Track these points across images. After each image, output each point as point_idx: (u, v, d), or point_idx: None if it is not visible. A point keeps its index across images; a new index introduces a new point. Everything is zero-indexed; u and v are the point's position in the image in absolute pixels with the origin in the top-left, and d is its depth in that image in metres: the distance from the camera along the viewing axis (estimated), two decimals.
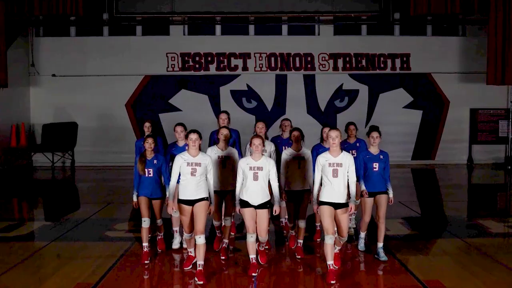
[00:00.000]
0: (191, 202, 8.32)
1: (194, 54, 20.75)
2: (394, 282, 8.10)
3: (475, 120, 20.51)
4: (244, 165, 8.38)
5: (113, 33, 20.99)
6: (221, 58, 20.76)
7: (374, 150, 9.16)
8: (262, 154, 8.47)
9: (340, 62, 20.72)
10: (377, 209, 9.11)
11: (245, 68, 20.72)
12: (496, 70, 18.68)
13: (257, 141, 8.36)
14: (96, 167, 19.91)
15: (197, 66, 20.73)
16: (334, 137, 8.13)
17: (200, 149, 8.37)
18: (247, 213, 8.40)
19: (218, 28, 21.16)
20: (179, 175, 8.44)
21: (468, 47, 20.62)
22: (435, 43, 20.82)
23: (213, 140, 10.14)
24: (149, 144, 9.09)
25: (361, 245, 9.67)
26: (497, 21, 18.48)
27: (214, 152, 9.25)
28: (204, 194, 8.35)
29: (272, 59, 20.75)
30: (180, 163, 8.30)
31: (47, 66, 20.61)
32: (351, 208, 8.23)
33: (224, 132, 9.33)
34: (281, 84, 20.79)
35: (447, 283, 7.93)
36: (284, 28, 21.18)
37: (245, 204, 8.38)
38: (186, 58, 20.74)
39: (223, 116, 10.44)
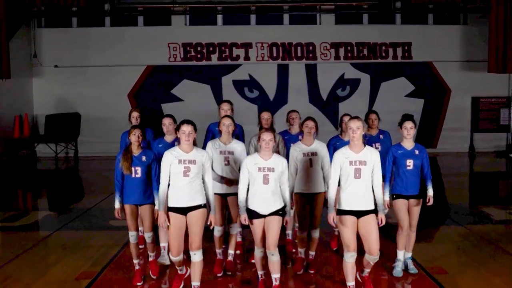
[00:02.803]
0: (185, 211, 6.79)
1: (196, 44, 20.69)
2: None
3: (477, 108, 20.45)
4: (251, 165, 6.89)
5: (115, 24, 20.93)
6: (223, 48, 20.72)
7: (408, 144, 7.68)
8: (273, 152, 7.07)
9: (341, 51, 20.65)
10: (409, 215, 7.83)
11: (246, 57, 20.66)
12: (498, 59, 18.70)
13: (267, 136, 6.87)
14: (99, 157, 19.94)
15: (198, 56, 20.71)
16: (355, 128, 6.65)
17: (195, 144, 6.97)
18: (257, 226, 6.94)
19: (219, 18, 21.10)
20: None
21: (469, 36, 20.51)
22: (437, 31, 20.68)
23: (211, 134, 8.83)
24: (135, 136, 7.50)
25: (398, 269, 7.80)
26: (498, 9, 18.48)
27: (216, 146, 7.76)
28: (201, 200, 6.84)
29: (274, 48, 20.71)
30: (170, 161, 6.77)
31: (50, 57, 20.56)
32: (381, 220, 6.70)
33: (226, 122, 7.75)
34: (282, 73, 20.80)
35: (449, 269, 7.97)
36: (286, 17, 21.10)
37: (253, 214, 6.93)
38: (188, 48, 20.70)
39: (225, 107, 8.79)
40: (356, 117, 6.80)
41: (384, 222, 6.71)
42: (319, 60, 20.68)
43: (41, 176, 17.77)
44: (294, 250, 8.82)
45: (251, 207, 6.91)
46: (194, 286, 6.94)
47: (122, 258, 8.64)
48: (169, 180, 6.85)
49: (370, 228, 6.61)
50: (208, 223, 6.91)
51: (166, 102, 20.45)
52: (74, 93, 20.38)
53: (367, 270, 7.03)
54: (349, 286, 6.85)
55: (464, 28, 20.77)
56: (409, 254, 7.92)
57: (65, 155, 20.55)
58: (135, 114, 9.06)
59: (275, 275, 6.97)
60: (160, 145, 8.16)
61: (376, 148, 8.55)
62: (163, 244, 8.30)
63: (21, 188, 15.60)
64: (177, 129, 6.99)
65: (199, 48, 20.67)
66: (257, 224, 6.92)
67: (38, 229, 11.14)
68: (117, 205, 7.52)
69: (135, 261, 7.71)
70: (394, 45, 20.69)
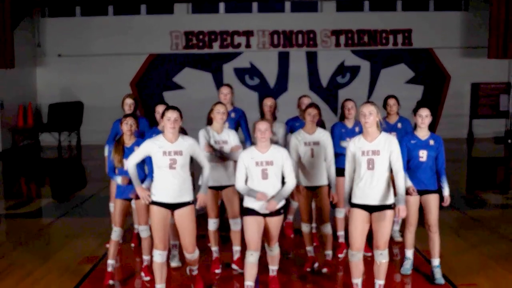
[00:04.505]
0: (171, 207, 6.23)
1: (198, 32, 20.76)
2: (391, 252, 8.03)
3: (476, 94, 20.45)
4: (247, 159, 6.26)
5: (118, 12, 20.94)
6: (224, 36, 20.78)
7: (422, 133, 6.94)
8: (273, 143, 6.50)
9: (342, 39, 20.68)
10: (425, 214, 7.15)
11: (248, 45, 20.71)
12: (498, 44, 18.71)
13: (263, 126, 6.23)
14: (102, 146, 20.02)
15: (200, 44, 20.77)
16: (367, 114, 5.96)
17: (180, 132, 6.39)
18: (251, 223, 6.25)
19: (221, 5, 21.09)
20: (149, 169, 6.62)
21: (470, 22, 20.52)
22: (437, 18, 20.70)
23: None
24: (128, 125, 6.90)
25: (407, 266, 7.34)
26: None
27: (210, 135, 7.21)
28: (189, 197, 6.26)
29: (275, 36, 20.75)
30: (152, 151, 6.17)
31: (53, 47, 20.68)
32: (398, 211, 6.04)
33: (221, 109, 7.19)
34: (283, 61, 20.87)
35: (446, 253, 7.92)
36: (287, 5, 21.06)
37: (249, 212, 6.29)
38: (190, 37, 20.77)
39: (224, 90, 8.28)
40: (369, 102, 6.12)
41: (402, 214, 6.07)
42: (320, 47, 20.71)
43: (44, 165, 17.90)
44: (292, 236, 8.89)
45: (248, 205, 6.32)
46: (191, 269, 6.71)
47: (124, 244, 8.67)
48: (147, 172, 6.47)
49: (384, 224, 6.00)
50: (197, 201, 6.42)
51: (168, 90, 20.56)
52: (77, 82, 20.48)
53: (379, 283, 6.25)
54: (355, 284, 6.32)
55: (465, 14, 20.76)
56: (437, 262, 7.19)
57: (68, 144, 20.70)
58: (128, 101, 8.37)
59: (273, 267, 6.65)
60: (154, 135, 7.09)
61: None
62: (173, 242, 7.66)
63: (25, 177, 15.76)
64: (162, 115, 6.32)
65: (200, 36, 20.73)
66: (253, 222, 6.26)
67: (41, 216, 11.28)
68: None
69: (110, 262, 7.10)
70: (394, 32, 20.71)
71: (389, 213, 6.01)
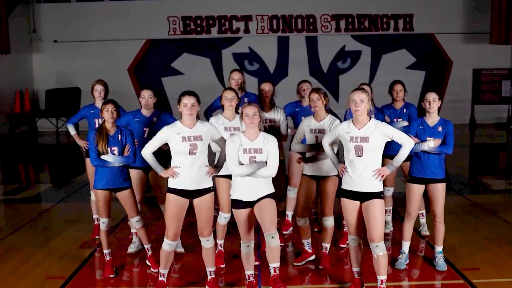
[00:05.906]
0: (190, 194, 6.05)
1: (196, 17, 20.62)
2: (395, 237, 8.17)
3: (478, 80, 20.39)
4: (237, 145, 5.99)
5: None
6: (223, 21, 20.65)
7: (431, 119, 6.70)
8: (260, 129, 6.10)
9: (342, 23, 20.55)
10: (431, 203, 6.94)
11: (246, 30, 20.59)
12: (500, 30, 18.66)
13: (250, 110, 5.93)
14: None
15: (198, 29, 20.64)
16: (358, 101, 5.78)
17: (198, 117, 6.15)
18: (241, 216, 6.04)
19: None
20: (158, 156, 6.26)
21: (472, 7, 20.40)
22: (439, 3, 20.51)
23: (214, 108, 8.14)
24: (109, 112, 6.54)
25: (401, 261, 7.04)
26: None
27: (220, 122, 6.84)
28: (209, 183, 6.09)
29: (274, 21, 20.61)
30: (172, 137, 5.98)
31: (49, 33, 20.54)
32: (379, 171, 5.84)
33: (229, 95, 6.87)
34: (283, 46, 20.72)
35: (449, 238, 7.89)
36: None
37: (237, 204, 6.04)
38: (188, 22, 20.63)
39: (235, 76, 7.99)
40: (361, 89, 5.97)
41: (380, 172, 5.83)
42: (320, 32, 20.59)
43: (42, 150, 17.83)
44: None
45: (234, 196, 6.07)
46: (210, 272, 6.32)
47: (122, 230, 8.71)
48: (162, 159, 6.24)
49: (373, 213, 5.82)
50: (208, 169, 6.07)
51: (166, 76, 20.46)
52: (74, 68, 20.36)
53: (381, 278, 5.98)
54: (355, 272, 6.22)
55: None
56: (439, 248, 7.03)
57: (66, 130, 20.55)
58: (98, 87, 7.96)
59: (274, 264, 6.02)
60: (136, 119, 7.28)
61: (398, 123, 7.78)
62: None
63: (23, 162, 15.68)
64: (178, 101, 6.03)
65: (198, 21, 20.59)
66: (243, 215, 6.04)
67: (40, 202, 11.24)
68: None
69: (106, 251, 6.85)
70: (395, 17, 20.60)
71: (378, 201, 5.85)
